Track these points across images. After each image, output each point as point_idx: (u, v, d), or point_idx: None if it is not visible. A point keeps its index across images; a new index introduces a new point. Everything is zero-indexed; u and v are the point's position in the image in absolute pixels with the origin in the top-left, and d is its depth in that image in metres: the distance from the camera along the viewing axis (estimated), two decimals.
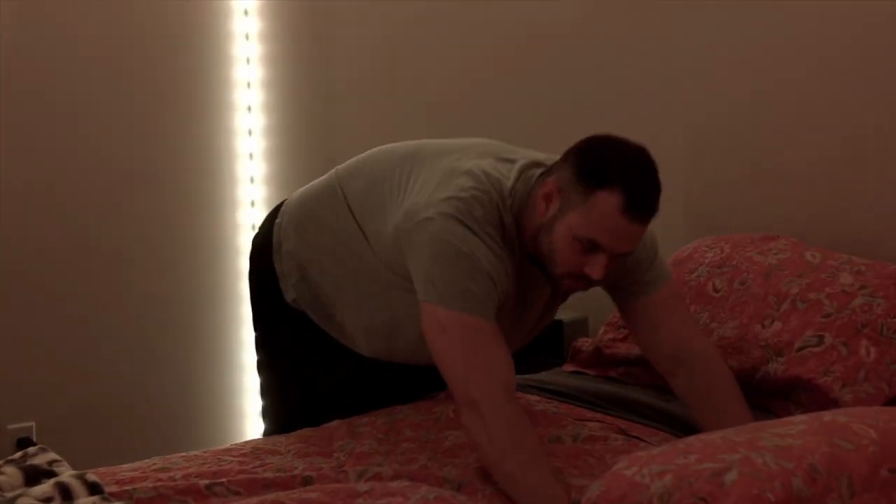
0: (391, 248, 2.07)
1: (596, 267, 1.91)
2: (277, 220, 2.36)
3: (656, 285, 2.15)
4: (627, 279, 2.14)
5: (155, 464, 1.97)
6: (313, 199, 2.31)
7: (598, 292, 2.17)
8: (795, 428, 1.55)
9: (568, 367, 2.62)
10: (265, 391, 2.42)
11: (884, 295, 2.26)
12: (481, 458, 1.90)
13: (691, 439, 1.58)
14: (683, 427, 2.14)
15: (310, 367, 2.33)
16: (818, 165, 2.67)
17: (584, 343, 2.63)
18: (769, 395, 2.25)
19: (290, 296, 2.31)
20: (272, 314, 2.37)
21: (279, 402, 2.38)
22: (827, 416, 1.61)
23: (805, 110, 2.68)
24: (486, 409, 1.86)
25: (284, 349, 2.37)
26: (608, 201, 1.87)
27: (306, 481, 1.88)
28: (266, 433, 2.37)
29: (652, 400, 2.33)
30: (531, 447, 1.86)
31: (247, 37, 3.85)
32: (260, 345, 2.42)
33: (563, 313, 3.02)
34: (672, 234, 2.85)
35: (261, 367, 2.43)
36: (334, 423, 2.22)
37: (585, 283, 1.97)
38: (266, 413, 2.42)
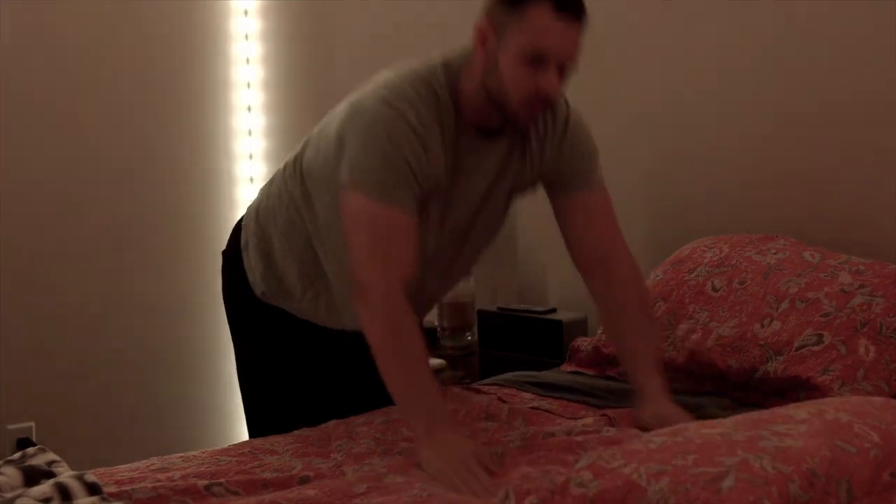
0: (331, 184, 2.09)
1: (548, 78, 1.98)
2: (244, 222, 2.39)
3: (594, 185, 2.23)
4: (570, 170, 2.21)
5: (153, 464, 1.97)
6: (271, 185, 2.34)
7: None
8: (797, 428, 1.55)
9: (567, 367, 2.62)
10: (253, 400, 2.40)
11: (883, 294, 2.26)
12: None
13: (691, 433, 1.57)
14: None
15: (293, 364, 2.32)
16: (818, 165, 2.67)
17: (583, 343, 2.63)
18: (768, 395, 2.26)
19: (258, 289, 2.30)
20: (247, 317, 2.36)
21: (268, 407, 2.37)
22: (830, 413, 1.61)
23: (805, 110, 2.68)
24: (375, 300, 1.97)
25: (264, 350, 2.35)
26: (538, 11, 1.95)
27: (304, 481, 1.88)
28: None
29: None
30: (411, 352, 1.97)
31: (246, 37, 3.85)
32: (241, 355, 2.41)
33: (563, 314, 3.03)
34: (671, 235, 2.85)
35: (244, 376, 2.40)
36: (332, 422, 2.22)
37: (543, 101, 2.01)
38: (257, 419, 2.40)
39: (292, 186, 2.23)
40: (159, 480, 1.86)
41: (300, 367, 2.33)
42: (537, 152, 2.18)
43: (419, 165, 2.01)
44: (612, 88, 3.06)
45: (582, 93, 3.16)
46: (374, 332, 1.99)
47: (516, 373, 2.53)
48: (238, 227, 2.41)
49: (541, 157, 2.19)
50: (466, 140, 2.09)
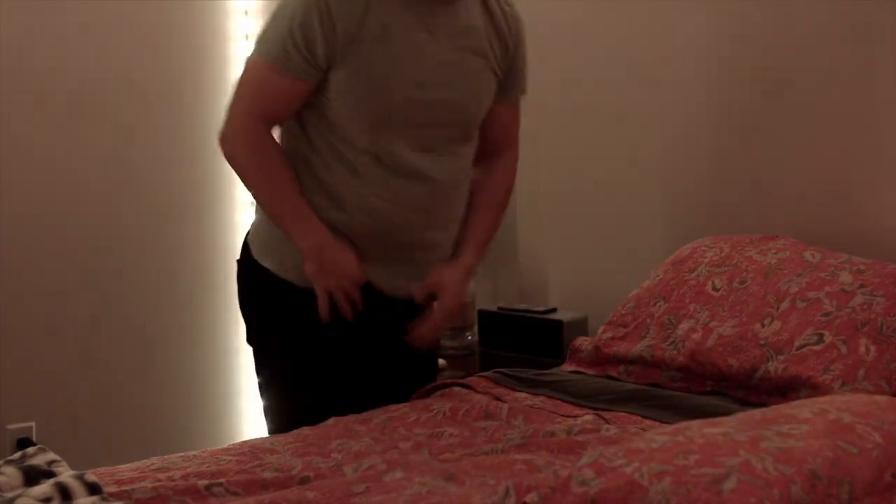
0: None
1: None
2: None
3: (516, 98, 2.43)
4: (511, 72, 2.36)
5: (154, 464, 1.97)
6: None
7: (596, 293, 2.17)
8: (799, 428, 1.55)
9: (567, 367, 2.62)
10: (272, 389, 2.41)
11: (883, 294, 2.26)
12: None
13: (693, 431, 1.57)
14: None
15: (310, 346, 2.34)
16: (818, 165, 2.67)
17: (584, 342, 2.63)
18: (769, 394, 2.26)
19: (273, 262, 2.32)
20: (265, 308, 2.39)
21: (289, 393, 2.38)
22: (832, 413, 1.61)
23: (804, 110, 2.68)
24: (235, 126, 2.21)
25: (282, 336, 2.37)
26: None
27: (304, 481, 1.88)
28: (272, 431, 2.37)
29: (654, 391, 2.35)
30: (274, 166, 2.21)
31: (246, 38, 3.85)
32: (259, 346, 2.43)
33: (564, 313, 3.03)
34: (672, 234, 2.85)
35: (263, 367, 2.42)
36: (331, 420, 2.22)
37: None
38: (275, 409, 2.41)
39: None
40: (159, 480, 1.86)
41: (327, 352, 2.34)
42: (504, 27, 2.32)
43: (326, 34, 2.13)
44: (612, 88, 3.06)
45: (585, 92, 3.16)
46: (238, 157, 2.23)
47: (515, 369, 2.53)
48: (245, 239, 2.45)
49: (508, 34, 2.32)
50: (419, 4, 2.20)
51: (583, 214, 3.14)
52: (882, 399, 1.73)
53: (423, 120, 2.23)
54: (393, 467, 1.89)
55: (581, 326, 2.96)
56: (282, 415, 2.38)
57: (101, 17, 3.55)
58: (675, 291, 2.52)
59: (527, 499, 1.55)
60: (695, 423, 1.63)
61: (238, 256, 2.44)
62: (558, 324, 2.96)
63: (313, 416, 2.24)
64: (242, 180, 2.29)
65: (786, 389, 2.23)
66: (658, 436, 1.58)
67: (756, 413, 1.67)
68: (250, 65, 2.23)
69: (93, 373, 3.57)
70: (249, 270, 2.39)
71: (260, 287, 2.38)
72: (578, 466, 1.53)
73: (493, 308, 3.16)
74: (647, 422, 2.16)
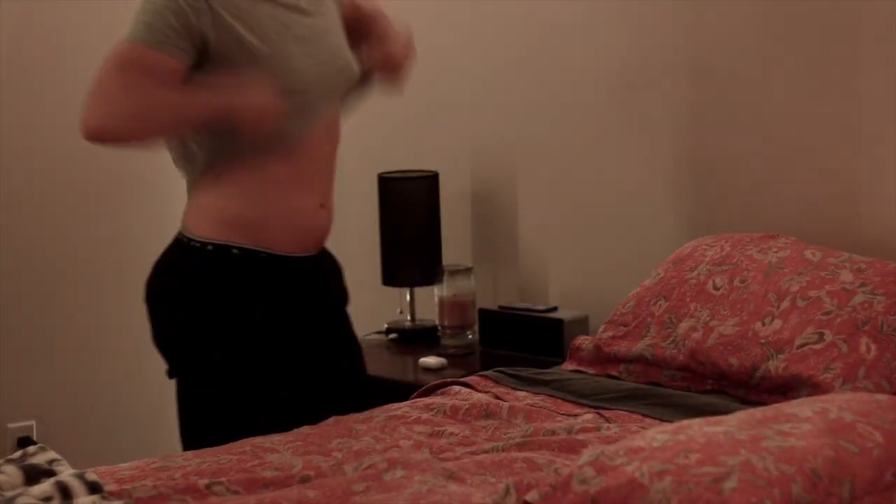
0: None
1: None
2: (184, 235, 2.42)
3: None
4: None
5: (154, 463, 1.97)
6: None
7: (597, 292, 2.17)
8: (800, 427, 1.55)
9: (567, 366, 2.62)
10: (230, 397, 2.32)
11: (884, 292, 2.26)
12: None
13: (694, 430, 1.56)
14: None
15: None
16: (817, 165, 2.67)
17: (584, 341, 2.62)
18: (769, 393, 2.25)
19: (204, 230, 2.31)
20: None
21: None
22: (833, 412, 1.61)
23: (804, 110, 2.68)
24: (104, 85, 2.18)
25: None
26: None
27: (304, 480, 1.88)
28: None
29: (654, 390, 2.35)
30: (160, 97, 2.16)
31: None
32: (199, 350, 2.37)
33: (564, 312, 3.03)
34: (672, 233, 2.85)
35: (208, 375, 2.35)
36: (331, 419, 2.22)
37: None
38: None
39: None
40: (160, 479, 1.86)
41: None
42: None
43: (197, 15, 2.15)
44: (627, 88, 3.06)
45: (584, 92, 3.16)
46: (118, 115, 2.18)
47: (514, 367, 2.53)
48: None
49: None
50: None
51: (583, 213, 3.14)
52: (883, 398, 1.73)
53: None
54: (393, 466, 1.89)
55: (582, 325, 2.96)
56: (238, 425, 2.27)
57: (100, 17, 3.54)
58: (675, 290, 2.52)
59: (527, 497, 1.55)
60: (696, 422, 1.63)
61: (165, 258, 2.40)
62: (559, 323, 2.95)
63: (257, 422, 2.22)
64: (121, 135, 2.26)
65: (786, 388, 2.23)
66: (659, 434, 1.58)
67: (757, 412, 1.67)
68: (122, 49, 2.21)
69: (94, 371, 3.56)
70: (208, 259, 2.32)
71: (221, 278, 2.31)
72: (579, 465, 1.53)
73: (494, 307, 3.16)
74: (648, 420, 2.16)
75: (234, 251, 2.29)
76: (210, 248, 2.30)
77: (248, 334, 2.30)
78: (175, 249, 2.38)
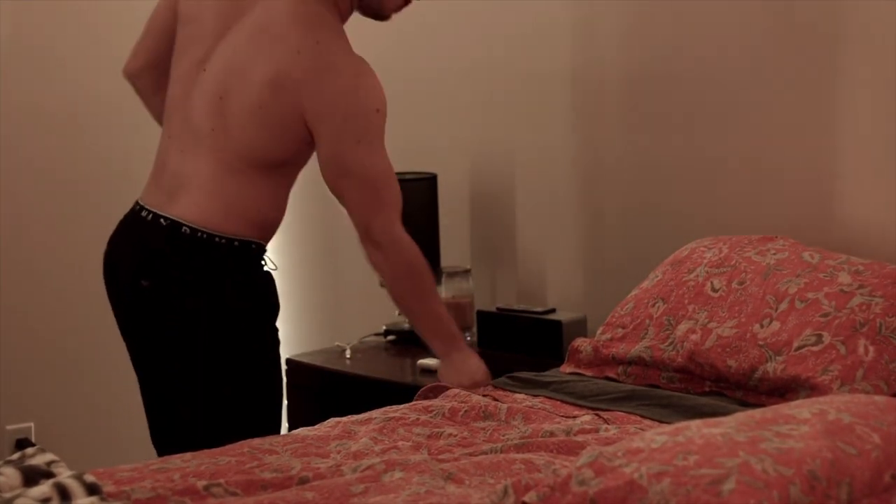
0: None
1: None
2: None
3: None
4: None
5: (153, 464, 1.97)
6: None
7: (595, 294, 2.17)
8: (799, 428, 1.55)
9: (566, 368, 2.62)
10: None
11: (882, 294, 2.27)
12: None
13: (692, 432, 1.56)
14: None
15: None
16: (817, 165, 2.67)
17: (583, 343, 2.63)
18: (768, 395, 2.26)
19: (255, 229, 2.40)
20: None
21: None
22: (831, 413, 1.61)
23: (804, 110, 2.69)
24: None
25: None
26: None
27: (303, 482, 1.88)
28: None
29: (653, 391, 2.35)
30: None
31: None
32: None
33: (562, 314, 3.03)
34: (671, 234, 2.85)
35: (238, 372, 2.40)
36: (330, 420, 2.22)
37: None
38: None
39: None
40: (158, 480, 1.86)
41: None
42: None
43: None
44: (625, 88, 3.06)
45: (584, 92, 3.17)
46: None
47: (514, 372, 2.54)
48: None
49: None
50: None
51: (582, 214, 3.14)
52: (881, 400, 1.73)
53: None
54: (392, 467, 1.89)
55: (580, 327, 2.96)
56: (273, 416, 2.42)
57: (100, 17, 3.55)
58: (673, 292, 2.52)
59: (526, 498, 1.55)
60: (694, 424, 1.63)
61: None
62: (557, 324, 2.96)
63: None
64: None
65: (785, 390, 2.23)
66: (657, 436, 1.58)
67: (755, 413, 1.67)
68: None
69: (92, 373, 3.56)
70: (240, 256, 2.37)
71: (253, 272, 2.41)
72: (578, 466, 1.53)
73: (492, 308, 3.16)
74: (647, 422, 2.16)
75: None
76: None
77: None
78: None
